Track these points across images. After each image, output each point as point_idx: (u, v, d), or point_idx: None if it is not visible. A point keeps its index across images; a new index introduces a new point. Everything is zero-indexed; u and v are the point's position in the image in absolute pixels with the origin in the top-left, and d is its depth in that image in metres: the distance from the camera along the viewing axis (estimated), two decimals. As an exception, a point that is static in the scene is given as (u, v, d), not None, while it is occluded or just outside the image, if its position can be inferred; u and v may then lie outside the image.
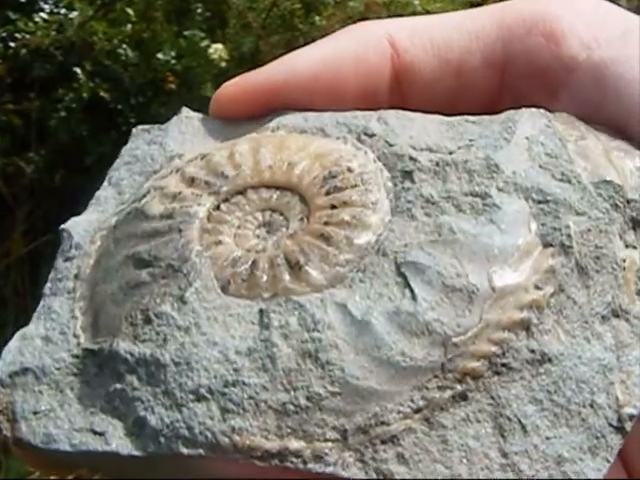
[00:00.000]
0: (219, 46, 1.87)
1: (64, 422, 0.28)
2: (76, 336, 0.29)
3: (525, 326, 0.28)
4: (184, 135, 0.35)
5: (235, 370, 0.27)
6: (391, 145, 0.31)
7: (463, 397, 0.27)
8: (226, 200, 0.31)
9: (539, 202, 0.29)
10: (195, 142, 0.34)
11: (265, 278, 0.28)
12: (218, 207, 0.30)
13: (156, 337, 0.28)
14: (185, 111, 0.36)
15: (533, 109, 0.32)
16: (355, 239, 0.29)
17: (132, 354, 0.28)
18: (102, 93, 1.85)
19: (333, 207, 0.29)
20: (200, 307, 0.28)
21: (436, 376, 0.27)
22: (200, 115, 0.36)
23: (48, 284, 0.32)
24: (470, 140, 0.31)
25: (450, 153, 0.31)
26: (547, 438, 0.27)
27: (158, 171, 0.33)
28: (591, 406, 0.28)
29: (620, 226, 0.30)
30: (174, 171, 0.32)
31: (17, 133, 1.91)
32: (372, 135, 0.32)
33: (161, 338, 0.28)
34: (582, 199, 0.30)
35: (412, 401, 0.26)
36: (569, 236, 0.29)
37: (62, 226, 0.33)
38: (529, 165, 0.30)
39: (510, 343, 0.28)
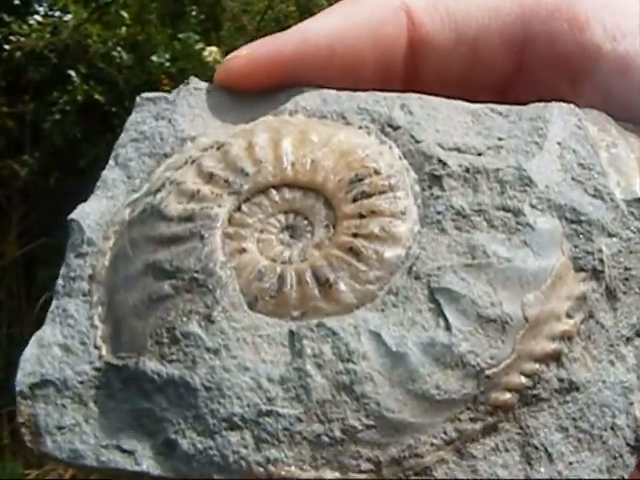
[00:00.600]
0: (214, 49, 1.87)
1: (90, 437, 0.28)
2: (97, 347, 0.29)
3: (556, 357, 0.28)
4: (193, 110, 0.33)
5: (269, 399, 0.26)
6: (417, 141, 0.30)
7: (494, 428, 0.27)
8: (247, 200, 0.29)
9: (572, 222, 0.29)
10: (207, 120, 0.33)
11: (294, 295, 0.28)
12: (239, 208, 0.29)
13: (184, 358, 0.27)
14: (194, 82, 0.34)
15: (563, 105, 0.31)
16: (385, 254, 0.28)
17: (159, 375, 0.27)
18: (96, 96, 1.85)
19: (361, 216, 0.29)
20: (229, 327, 0.27)
21: (468, 408, 0.27)
22: (209, 86, 0.34)
23: (60, 281, 0.31)
24: (499, 139, 0.30)
25: (479, 154, 0.30)
26: (570, 463, 0.27)
27: (170, 155, 0.32)
28: (612, 428, 0.28)
29: None
30: (189, 162, 0.31)
31: (11, 136, 1.90)
32: (397, 128, 0.31)
33: (190, 359, 0.27)
34: (615, 220, 0.29)
35: (445, 433, 0.26)
36: (601, 261, 0.29)
37: (71, 216, 0.31)
38: (562, 178, 0.29)
39: (541, 374, 0.28)
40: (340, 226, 0.29)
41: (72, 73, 1.85)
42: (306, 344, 0.27)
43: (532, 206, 0.29)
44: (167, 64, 1.83)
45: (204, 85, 0.34)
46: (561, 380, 0.28)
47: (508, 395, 0.27)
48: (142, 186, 0.31)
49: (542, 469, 0.27)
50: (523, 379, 0.27)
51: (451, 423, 0.27)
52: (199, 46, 1.84)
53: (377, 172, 0.29)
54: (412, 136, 0.30)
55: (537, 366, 0.28)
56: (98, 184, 0.32)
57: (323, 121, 0.32)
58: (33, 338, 0.29)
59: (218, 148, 0.30)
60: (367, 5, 0.33)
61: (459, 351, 0.27)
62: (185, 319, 0.27)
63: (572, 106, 0.31)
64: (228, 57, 0.33)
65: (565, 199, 0.29)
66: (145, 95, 0.34)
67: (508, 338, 0.27)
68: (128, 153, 0.32)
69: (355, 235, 0.28)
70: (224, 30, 1.98)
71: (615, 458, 0.28)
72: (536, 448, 0.27)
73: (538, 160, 0.30)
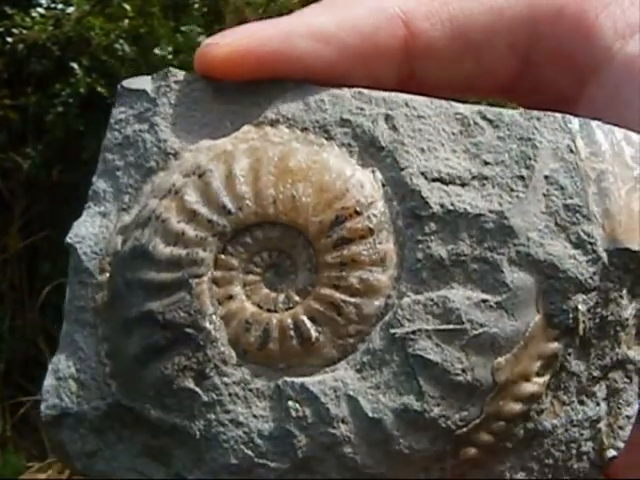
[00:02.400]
0: (216, 41, 1.86)
1: (113, 461, 0.30)
2: (108, 384, 0.30)
3: (524, 416, 0.29)
4: (175, 109, 0.32)
5: (260, 453, 0.29)
6: (401, 169, 0.30)
7: (462, 475, 0.29)
8: (231, 239, 0.30)
9: (550, 277, 0.29)
10: (188, 122, 0.32)
11: (279, 350, 0.29)
12: (224, 249, 0.30)
13: (183, 409, 0.29)
14: (173, 74, 0.33)
15: (557, 119, 0.30)
16: (365, 309, 0.29)
17: (163, 421, 0.29)
18: (99, 88, 1.85)
19: (342, 265, 0.29)
20: (221, 383, 0.29)
21: (439, 460, 0.29)
22: (189, 76, 0.33)
23: (68, 305, 0.32)
24: (485, 163, 0.29)
25: (463, 185, 0.29)
26: None
27: (154, 170, 0.32)
28: (577, 456, 0.30)
29: (630, 284, 0.30)
30: (172, 192, 0.30)
31: (14, 128, 1.90)
32: (380, 148, 0.30)
33: (188, 411, 0.29)
34: (595, 274, 0.29)
35: None
36: (576, 319, 0.29)
37: (67, 239, 0.32)
38: (545, 224, 0.29)
39: (508, 431, 0.29)
40: (321, 275, 0.29)
41: (75, 66, 1.85)
42: (291, 405, 0.29)
43: (511, 261, 0.29)
44: (170, 57, 1.83)
45: (183, 76, 0.33)
46: (528, 431, 0.29)
47: (475, 450, 0.29)
48: (131, 205, 0.32)
49: None
50: (490, 437, 0.29)
51: (423, 472, 0.29)
52: (201, 39, 1.84)
53: (357, 212, 0.29)
54: (396, 160, 0.30)
55: (504, 425, 0.29)
56: (90, 194, 0.33)
57: (305, 136, 0.31)
58: (50, 367, 0.31)
59: (200, 176, 0.30)
60: (360, 10, 0.31)
61: (430, 416, 0.28)
62: (181, 374, 0.29)
63: (567, 120, 0.30)
64: (207, 42, 0.31)
65: (545, 254, 0.29)
66: (126, 85, 0.34)
67: (478, 401, 0.28)
68: (115, 160, 0.33)
69: (336, 287, 0.29)
70: (227, 23, 1.98)
71: (579, 477, 0.30)
72: None
73: (522, 204, 0.29)
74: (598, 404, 0.30)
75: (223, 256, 0.30)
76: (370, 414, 0.28)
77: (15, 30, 1.86)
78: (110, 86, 1.87)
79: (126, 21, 1.89)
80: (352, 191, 0.29)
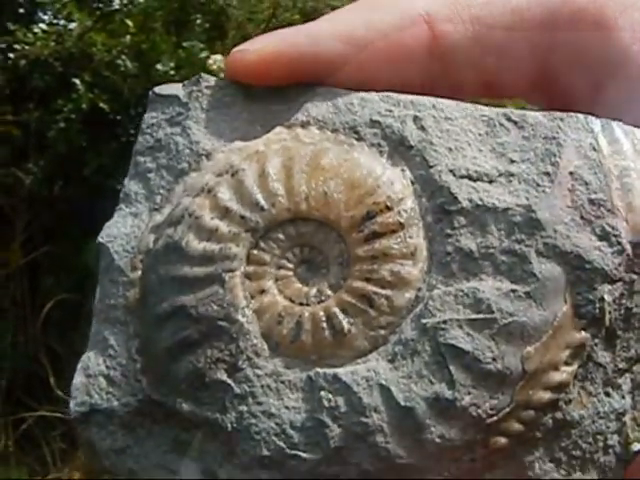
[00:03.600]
0: (218, 57, 1.87)
1: (141, 458, 0.30)
2: (138, 380, 0.31)
3: (553, 405, 0.29)
4: (207, 114, 0.33)
5: (292, 444, 0.29)
6: (430, 166, 0.30)
7: (492, 466, 0.29)
8: (263, 235, 0.30)
9: (577, 268, 0.29)
10: (220, 126, 0.33)
11: (311, 342, 0.29)
12: (256, 245, 0.30)
13: (215, 402, 0.29)
14: (205, 80, 0.34)
15: (579, 119, 0.31)
16: (396, 301, 0.29)
17: (195, 415, 0.30)
18: (101, 104, 1.85)
19: (373, 258, 0.29)
20: (253, 375, 0.29)
21: (470, 450, 0.29)
22: (220, 82, 0.34)
23: (98, 304, 0.32)
24: (511, 161, 0.30)
25: (491, 182, 0.30)
26: None
27: (186, 171, 0.32)
28: (603, 449, 0.30)
29: None
30: (205, 190, 0.31)
31: (16, 144, 1.91)
32: (409, 147, 0.31)
33: (220, 404, 0.29)
34: (620, 265, 0.29)
35: (448, 472, 0.29)
36: (602, 309, 0.29)
37: (99, 239, 0.32)
38: (570, 217, 0.29)
39: (537, 421, 0.29)
40: (353, 268, 0.30)
41: (77, 81, 1.85)
42: (323, 396, 0.29)
43: (538, 253, 0.29)
44: (172, 72, 1.83)
45: (214, 82, 0.34)
46: (556, 421, 0.29)
47: (504, 440, 0.29)
48: (163, 205, 0.32)
49: None
50: (520, 426, 0.29)
51: (455, 463, 0.29)
52: (204, 54, 1.85)
53: (388, 208, 0.30)
54: (425, 159, 0.30)
55: (533, 414, 0.29)
56: (121, 196, 0.33)
57: (336, 136, 0.32)
58: (80, 365, 0.31)
59: (232, 175, 0.31)
60: (385, 13, 0.32)
61: (462, 404, 0.28)
62: (213, 367, 0.29)
63: (589, 120, 0.31)
64: (238, 49, 0.32)
65: (572, 245, 0.29)
66: (158, 91, 0.34)
67: (507, 389, 0.28)
68: (147, 163, 0.33)
69: (367, 280, 0.29)
70: (229, 38, 1.98)
71: (605, 472, 0.30)
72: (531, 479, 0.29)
73: (548, 198, 0.30)
74: (623, 397, 0.30)
75: (255, 251, 0.30)
76: (402, 403, 0.28)
77: (17, 46, 1.87)
78: (112, 102, 1.87)
79: (128, 37, 1.90)
80: (383, 188, 0.30)
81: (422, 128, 0.31)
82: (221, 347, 0.29)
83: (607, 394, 0.30)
